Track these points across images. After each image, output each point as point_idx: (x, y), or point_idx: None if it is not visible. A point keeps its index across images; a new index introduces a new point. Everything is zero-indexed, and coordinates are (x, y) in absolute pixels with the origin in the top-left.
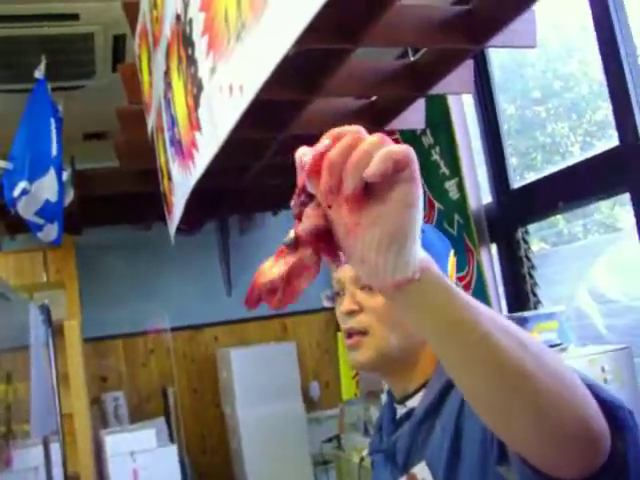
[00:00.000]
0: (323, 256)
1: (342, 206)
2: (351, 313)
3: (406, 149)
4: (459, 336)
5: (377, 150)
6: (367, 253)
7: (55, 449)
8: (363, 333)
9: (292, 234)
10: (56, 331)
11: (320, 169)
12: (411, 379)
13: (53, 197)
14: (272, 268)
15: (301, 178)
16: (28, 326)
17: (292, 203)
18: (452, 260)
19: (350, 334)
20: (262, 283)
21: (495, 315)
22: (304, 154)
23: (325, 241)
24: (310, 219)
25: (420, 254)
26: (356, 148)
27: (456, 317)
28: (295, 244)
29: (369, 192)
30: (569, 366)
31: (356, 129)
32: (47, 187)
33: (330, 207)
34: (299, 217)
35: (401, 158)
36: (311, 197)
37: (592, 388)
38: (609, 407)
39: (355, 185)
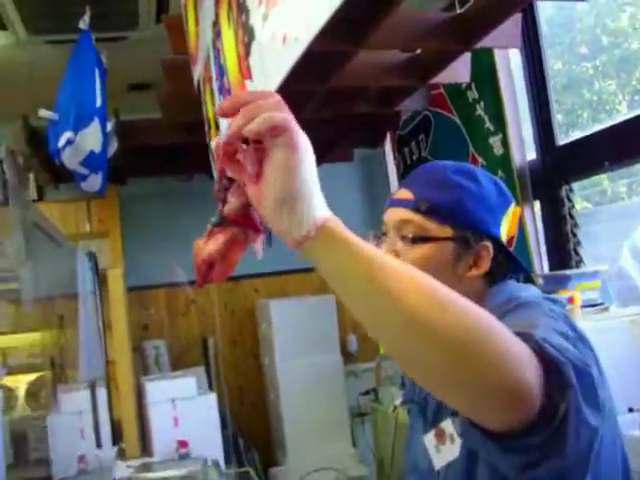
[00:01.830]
0: (248, 230)
1: (250, 181)
2: None
3: (285, 118)
4: (356, 289)
5: (263, 112)
6: (270, 217)
7: (101, 394)
8: None
9: (218, 215)
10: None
11: (232, 155)
12: None
13: (97, 147)
14: (207, 246)
15: (219, 165)
16: (76, 273)
17: (215, 188)
18: (512, 213)
19: None
20: (201, 260)
21: (408, 273)
22: (219, 143)
23: (248, 217)
24: (235, 199)
25: (318, 213)
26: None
27: (353, 272)
28: (222, 223)
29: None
30: (491, 320)
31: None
32: (91, 137)
33: (245, 185)
34: (223, 200)
35: (279, 124)
36: (231, 181)
37: (540, 346)
38: (555, 364)
39: (237, 132)
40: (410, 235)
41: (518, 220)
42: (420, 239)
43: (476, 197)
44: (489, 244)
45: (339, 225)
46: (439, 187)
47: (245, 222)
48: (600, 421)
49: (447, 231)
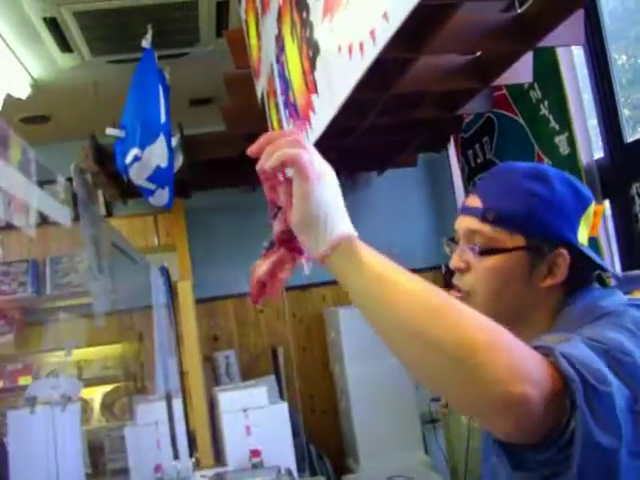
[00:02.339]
0: (293, 253)
1: (287, 209)
2: (458, 271)
3: (296, 152)
4: (365, 302)
5: (279, 150)
6: (300, 239)
7: (177, 405)
8: (467, 293)
9: (270, 239)
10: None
11: (274, 187)
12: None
13: (163, 163)
14: (260, 268)
15: (268, 195)
16: (150, 287)
17: (270, 216)
18: (593, 211)
19: (457, 290)
20: (254, 280)
21: (414, 285)
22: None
23: (291, 241)
24: (278, 226)
25: (335, 233)
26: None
27: (363, 287)
28: (272, 247)
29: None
30: (493, 333)
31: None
32: (157, 153)
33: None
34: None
35: (288, 159)
36: (280, 208)
37: (557, 361)
38: (566, 381)
39: (261, 169)
40: (478, 247)
41: (601, 218)
42: (488, 251)
43: (549, 204)
44: (564, 251)
45: (354, 243)
46: (509, 194)
47: (289, 245)
48: (618, 442)
49: (518, 241)
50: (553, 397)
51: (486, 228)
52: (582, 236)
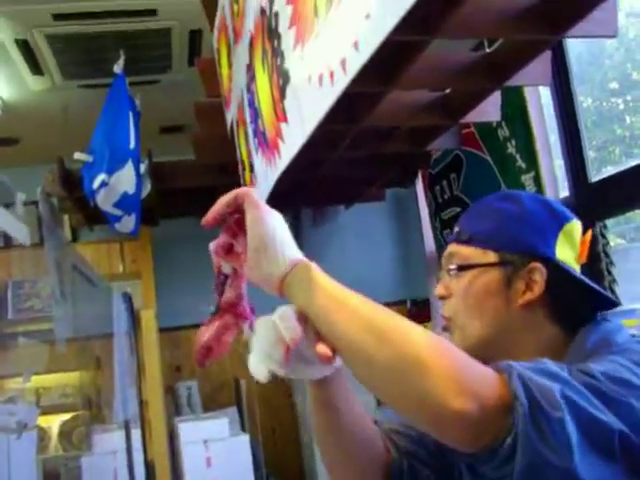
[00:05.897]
0: (238, 318)
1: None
2: (441, 298)
3: (241, 190)
4: (319, 322)
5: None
6: (254, 271)
7: (135, 435)
8: (449, 319)
9: (216, 305)
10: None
11: (230, 248)
12: None
13: (131, 189)
14: (205, 333)
15: (216, 262)
16: (112, 313)
17: (214, 284)
18: (572, 229)
19: (444, 318)
20: (200, 345)
21: (362, 306)
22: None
23: (238, 306)
24: (231, 290)
25: (292, 254)
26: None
27: (318, 306)
28: (218, 312)
29: None
30: (439, 352)
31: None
32: (125, 179)
33: (241, 273)
34: (221, 293)
35: (238, 193)
36: (226, 277)
37: (510, 381)
38: (512, 398)
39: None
40: (453, 266)
41: (588, 243)
42: (461, 268)
43: (517, 218)
44: (539, 265)
45: (311, 265)
46: (481, 216)
47: (236, 311)
48: (570, 465)
49: (490, 257)
50: (496, 414)
51: (460, 249)
52: (563, 254)
